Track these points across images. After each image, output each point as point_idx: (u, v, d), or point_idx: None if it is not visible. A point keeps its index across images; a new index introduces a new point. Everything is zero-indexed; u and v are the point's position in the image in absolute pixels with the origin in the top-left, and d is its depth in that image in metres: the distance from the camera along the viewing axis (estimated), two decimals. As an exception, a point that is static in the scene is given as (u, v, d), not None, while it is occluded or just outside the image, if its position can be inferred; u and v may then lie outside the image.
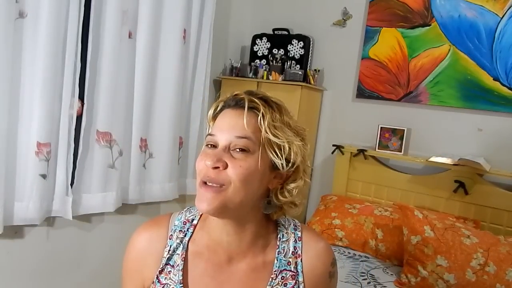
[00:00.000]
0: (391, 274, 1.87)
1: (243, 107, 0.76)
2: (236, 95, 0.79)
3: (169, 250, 0.83)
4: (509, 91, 2.07)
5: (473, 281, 1.65)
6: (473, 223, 2.03)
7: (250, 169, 0.74)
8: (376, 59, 2.42)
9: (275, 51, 2.63)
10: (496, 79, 2.10)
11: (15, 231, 1.73)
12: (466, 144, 2.20)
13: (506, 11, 2.07)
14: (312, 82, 2.48)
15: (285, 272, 0.82)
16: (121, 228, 2.11)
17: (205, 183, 0.75)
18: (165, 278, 0.81)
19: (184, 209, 0.89)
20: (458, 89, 2.20)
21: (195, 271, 0.82)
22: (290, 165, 0.78)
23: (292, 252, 0.84)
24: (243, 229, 0.80)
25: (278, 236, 0.84)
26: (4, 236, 1.64)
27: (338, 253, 2.03)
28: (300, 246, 0.84)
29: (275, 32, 2.67)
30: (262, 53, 2.68)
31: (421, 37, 2.28)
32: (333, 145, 2.46)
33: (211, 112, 0.82)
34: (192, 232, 0.84)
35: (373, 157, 2.39)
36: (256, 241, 0.82)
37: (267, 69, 2.55)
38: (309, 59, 2.58)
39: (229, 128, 0.76)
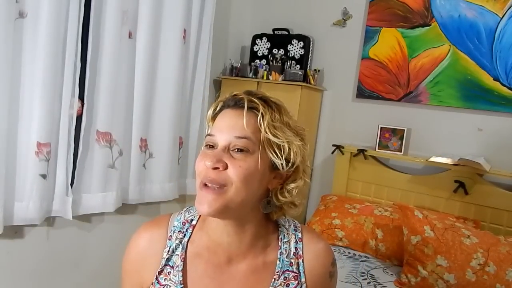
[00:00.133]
0: (391, 274, 1.87)
1: (243, 107, 0.76)
2: (235, 95, 0.79)
3: (168, 251, 0.82)
4: (509, 91, 2.07)
5: (473, 281, 1.65)
6: (473, 223, 2.03)
7: (250, 169, 0.74)
8: (376, 59, 2.42)
9: (275, 51, 2.63)
10: (496, 79, 2.10)
11: (15, 231, 1.73)
12: (466, 144, 2.20)
13: (506, 11, 2.07)
14: (312, 82, 2.48)
15: (288, 272, 0.82)
16: (121, 228, 2.11)
17: (205, 185, 0.75)
18: (165, 279, 0.81)
19: (184, 210, 0.89)
20: (458, 89, 2.20)
21: (195, 272, 0.81)
22: (290, 165, 0.78)
23: (294, 253, 0.84)
24: (243, 229, 0.80)
25: (280, 237, 0.84)
26: (4, 236, 1.64)
27: (338, 253, 2.04)
28: (301, 247, 0.84)
29: (275, 32, 2.67)
30: (262, 53, 2.67)
31: (421, 37, 2.28)
32: (333, 145, 2.46)
33: (210, 112, 0.82)
34: (191, 233, 0.84)
35: (373, 157, 2.39)
36: (256, 241, 0.82)
37: (267, 69, 2.55)
38: (309, 59, 2.58)
39: (228, 128, 0.76)
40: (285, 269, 0.82)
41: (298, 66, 2.54)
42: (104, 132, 1.90)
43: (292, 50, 2.58)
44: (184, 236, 0.84)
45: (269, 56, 2.64)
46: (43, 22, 1.62)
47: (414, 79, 2.31)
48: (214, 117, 0.81)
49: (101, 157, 1.91)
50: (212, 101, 2.53)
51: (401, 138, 2.30)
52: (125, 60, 1.96)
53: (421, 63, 2.29)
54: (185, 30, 2.18)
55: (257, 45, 2.69)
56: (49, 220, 1.84)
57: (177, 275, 0.81)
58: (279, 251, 0.83)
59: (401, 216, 1.94)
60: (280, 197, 0.80)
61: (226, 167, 0.74)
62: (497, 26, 2.09)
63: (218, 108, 0.81)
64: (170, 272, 0.81)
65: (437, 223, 1.83)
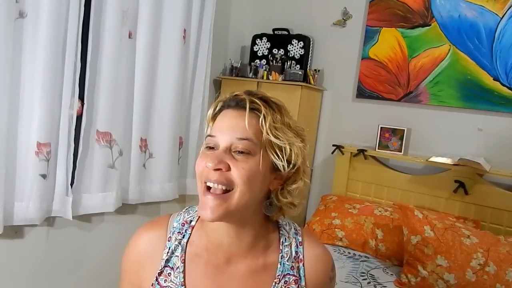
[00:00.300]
0: (391, 274, 1.87)
1: (244, 108, 0.75)
2: (236, 95, 0.78)
3: (167, 252, 0.82)
4: (509, 91, 2.07)
5: (473, 281, 1.65)
6: (473, 223, 2.03)
7: (252, 171, 0.74)
8: (376, 59, 2.42)
9: (275, 51, 2.63)
10: (496, 79, 2.10)
11: (15, 231, 1.73)
12: (466, 144, 2.20)
13: (506, 11, 2.07)
14: (312, 82, 2.48)
15: (288, 276, 0.82)
16: (121, 228, 2.11)
17: (208, 189, 0.74)
18: (165, 280, 0.81)
19: (183, 210, 0.88)
20: (458, 89, 2.20)
21: (195, 273, 0.81)
22: (291, 166, 0.77)
23: (294, 256, 0.83)
24: (244, 230, 0.80)
25: (281, 240, 0.84)
26: (4, 236, 1.64)
27: (338, 253, 2.04)
28: (302, 251, 0.84)
29: (275, 32, 2.67)
30: (262, 53, 2.67)
31: (421, 37, 2.28)
32: (333, 145, 2.46)
33: (210, 112, 0.80)
34: (190, 234, 0.84)
35: (373, 157, 2.39)
36: (257, 242, 0.82)
37: (267, 69, 2.55)
38: (309, 59, 2.58)
39: (229, 129, 0.75)
40: (286, 272, 0.82)
41: (298, 66, 2.54)
42: (104, 132, 1.90)
43: (292, 50, 2.58)
44: (183, 237, 0.83)
45: (269, 56, 2.64)
46: (43, 22, 1.62)
47: (414, 79, 2.31)
48: (214, 117, 0.80)
49: (101, 157, 1.91)
50: (212, 101, 2.52)
51: (401, 138, 2.30)
52: (125, 60, 1.96)
53: (421, 63, 2.29)
54: (185, 30, 2.18)
55: (257, 45, 2.69)
56: (49, 220, 1.84)
57: (178, 276, 0.80)
58: (280, 254, 0.83)
59: (401, 216, 1.94)
60: (281, 198, 0.80)
61: (228, 169, 0.73)
62: (497, 26, 2.09)
63: (218, 108, 0.80)
64: (170, 273, 0.81)
65: (437, 223, 1.83)
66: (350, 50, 2.52)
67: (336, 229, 2.13)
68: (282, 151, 0.76)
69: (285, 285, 0.81)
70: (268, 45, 2.66)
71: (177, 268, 0.81)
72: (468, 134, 2.20)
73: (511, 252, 1.70)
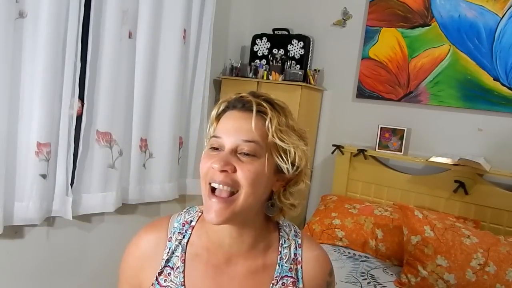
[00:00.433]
0: (391, 274, 1.87)
1: (250, 110, 0.75)
2: (242, 97, 0.78)
3: (168, 252, 0.82)
4: (509, 91, 2.07)
5: (473, 281, 1.65)
6: (473, 223, 2.03)
7: (257, 173, 0.74)
8: (376, 59, 2.42)
9: (275, 51, 2.63)
10: (496, 79, 2.10)
11: (15, 231, 1.73)
12: (466, 144, 2.20)
13: (506, 11, 2.07)
14: (312, 82, 2.48)
15: (286, 278, 0.82)
16: (121, 228, 2.11)
17: (213, 190, 0.74)
18: (165, 280, 0.81)
19: (184, 211, 0.89)
20: (458, 89, 2.20)
21: (195, 273, 0.81)
22: (294, 168, 0.78)
23: (293, 258, 0.84)
24: (245, 231, 0.80)
25: (280, 242, 0.84)
26: (4, 236, 1.64)
27: (338, 253, 2.04)
28: (301, 253, 0.84)
29: (275, 32, 2.67)
30: (262, 53, 2.67)
31: (421, 37, 2.28)
32: (333, 145, 2.46)
33: (214, 112, 0.80)
34: (191, 234, 0.84)
35: (373, 157, 2.39)
36: (257, 243, 0.82)
37: (267, 69, 2.55)
38: (309, 59, 2.58)
39: (235, 130, 0.75)
40: (284, 274, 0.82)
41: (298, 66, 2.54)
42: (104, 132, 1.90)
43: (292, 50, 2.58)
44: (183, 237, 0.83)
45: (269, 56, 2.64)
46: (43, 22, 1.62)
47: (414, 79, 2.31)
48: (218, 117, 0.79)
49: (101, 157, 1.91)
50: (212, 101, 2.55)
51: (401, 138, 2.30)
52: (125, 60, 1.96)
53: (421, 63, 2.29)
54: (185, 30, 2.18)
55: (257, 45, 2.69)
56: (49, 220, 1.84)
57: (178, 276, 0.81)
58: (279, 256, 0.83)
59: (401, 216, 1.94)
60: (283, 199, 0.80)
61: (234, 170, 0.73)
62: (497, 26, 2.09)
63: (221, 108, 0.79)
64: (170, 273, 0.81)
65: (437, 223, 1.83)
66: (350, 50, 2.52)
67: (336, 229, 2.13)
68: (286, 153, 0.76)
69: (282, 286, 0.81)
70: (268, 45, 2.66)
71: (177, 268, 0.81)
72: (468, 134, 2.20)
73: (511, 252, 1.70)
